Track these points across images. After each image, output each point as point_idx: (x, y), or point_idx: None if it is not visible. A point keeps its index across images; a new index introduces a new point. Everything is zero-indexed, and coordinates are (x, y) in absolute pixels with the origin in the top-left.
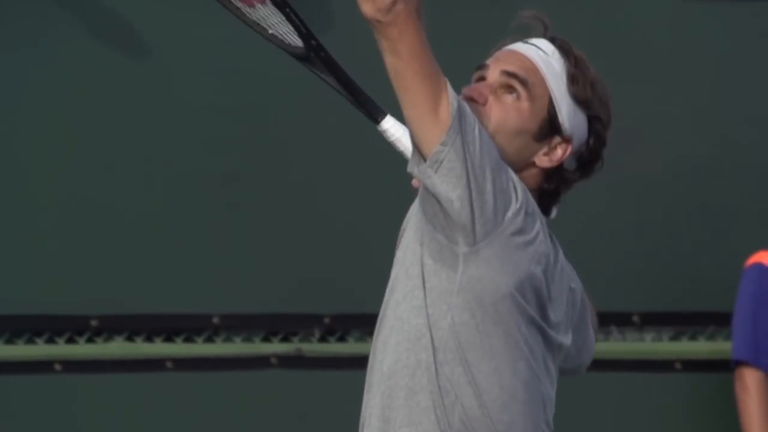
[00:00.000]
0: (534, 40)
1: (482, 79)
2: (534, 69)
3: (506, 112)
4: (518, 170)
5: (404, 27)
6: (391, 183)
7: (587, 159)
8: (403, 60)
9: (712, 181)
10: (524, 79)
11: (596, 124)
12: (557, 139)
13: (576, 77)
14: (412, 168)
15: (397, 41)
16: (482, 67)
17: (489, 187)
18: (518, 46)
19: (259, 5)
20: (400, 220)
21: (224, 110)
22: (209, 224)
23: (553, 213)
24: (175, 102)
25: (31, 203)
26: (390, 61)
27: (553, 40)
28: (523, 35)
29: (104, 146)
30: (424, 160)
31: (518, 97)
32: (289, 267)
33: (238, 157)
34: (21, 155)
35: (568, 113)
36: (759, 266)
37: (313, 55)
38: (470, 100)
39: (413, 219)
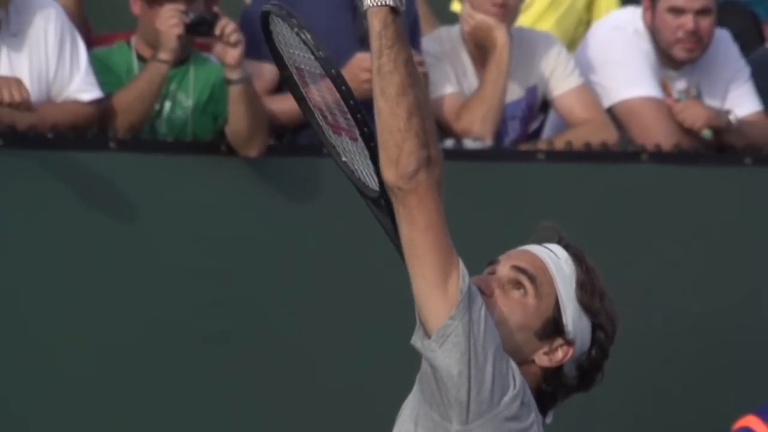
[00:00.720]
0: (547, 244)
1: (492, 273)
2: (544, 268)
3: (511, 307)
4: (518, 365)
5: (424, 196)
6: (381, 347)
7: (588, 368)
8: (418, 229)
9: (704, 343)
10: (533, 276)
11: (600, 333)
12: (560, 340)
13: (585, 284)
14: (415, 341)
15: (416, 210)
16: (493, 262)
17: (489, 368)
18: (531, 247)
19: (347, 138)
20: (391, 388)
21: (211, 273)
22: (197, 385)
23: (549, 418)
24: (162, 265)
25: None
26: (405, 229)
27: (567, 247)
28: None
29: (91, 307)
30: (428, 335)
31: (525, 293)
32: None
33: (226, 320)
34: (4, 315)
35: (573, 317)
36: (746, 430)
37: (384, 201)
38: (482, 294)
39: (409, 404)
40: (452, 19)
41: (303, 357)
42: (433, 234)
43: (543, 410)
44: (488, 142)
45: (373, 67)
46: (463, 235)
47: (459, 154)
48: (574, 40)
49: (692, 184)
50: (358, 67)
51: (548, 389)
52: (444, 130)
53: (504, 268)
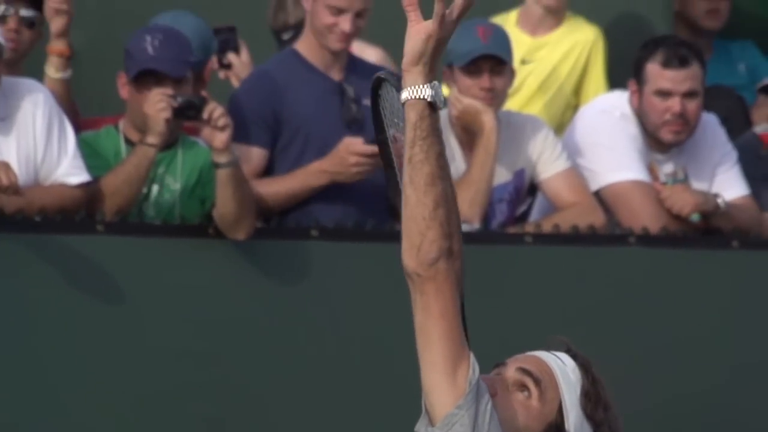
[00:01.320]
0: (556, 351)
1: (498, 375)
2: (549, 373)
3: (514, 408)
4: None
5: (442, 285)
6: (373, 429)
7: None
8: (432, 318)
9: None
10: (537, 379)
11: None
12: None
13: (590, 394)
14: (419, 428)
15: (432, 298)
16: (500, 364)
17: None
18: (539, 353)
19: None
20: None
21: (200, 355)
22: None
23: None
24: (151, 348)
25: None
26: (420, 316)
27: (574, 356)
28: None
29: (82, 391)
30: (432, 423)
31: (529, 396)
32: None
33: (215, 402)
34: None
35: (575, 424)
36: None
37: None
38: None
39: None
40: None
41: None
42: (447, 323)
43: None
44: (476, 225)
45: (405, 156)
46: None
47: None
48: (561, 124)
49: (680, 267)
50: (345, 151)
51: None
52: None
53: (510, 370)
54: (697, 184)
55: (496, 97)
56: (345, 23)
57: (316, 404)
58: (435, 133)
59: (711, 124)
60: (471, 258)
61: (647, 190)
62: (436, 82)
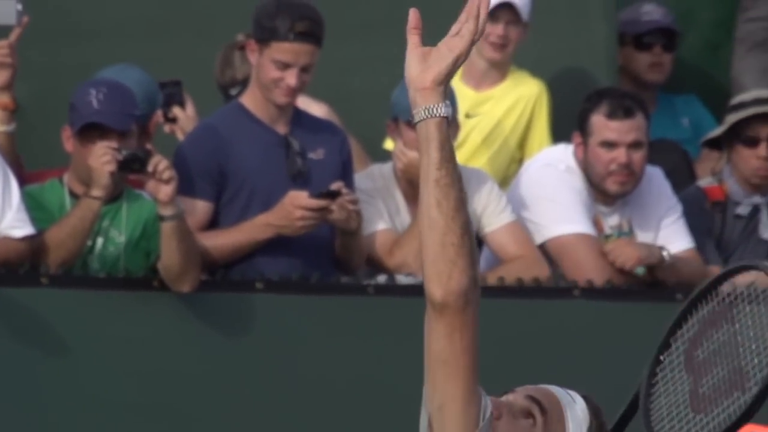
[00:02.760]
0: (568, 389)
1: (506, 400)
2: (558, 406)
3: (514, 430)
4: None
5: (471, 317)
6: None
7: None
8: (456, 350)
9: None
10: (545, 409)
11: None
12: None
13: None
14: None
15: (459, 330)
16: (510, 391)
17: None
18: (550, 386)
19: None
20: None
21: (144, 409)
22: None
23: None
24: (95, 401)
25: None
26: (441, 346)
27: (586, 399)
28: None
29: None
30: None
31: (533, 425)
32: None
33: None
34: None
35: None
36: None
37: None
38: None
39: None
40: (385, 156)
41: None
42: (472, 356)
43: None
44: (421, 278)
45: (429, 177)
46: (397, 369)
47: (392, 290)
48: (506, 178)
49: (624, 319)
50: (290, 205)
51: None
52: (377, 265)
53: (517, 396)
54: (642, 237)
55: None
56: (291, 78)
57: None
58: (455, 155)
59: (656, 176)
60: (416, 310)
61: (592, 243)
62: (448, 101)
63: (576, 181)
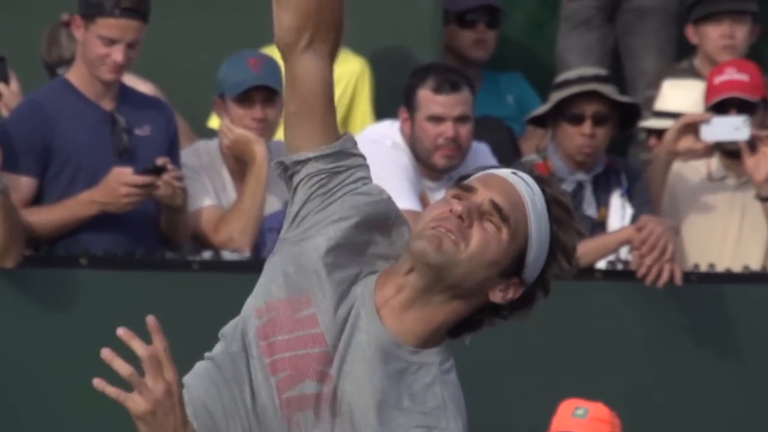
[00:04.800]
0: (523, 175)
1: (465, 195)
2: (521, 204)
3: (488, 241)
4: (470, 297)
5: (313, 59)
6: None
7: (521, 305)
8: (304, 93)
9: None
10: (507, 216)
11: (550, 274)
12: (515, 279)
13: (561, 221)
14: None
15: (300, 74)
16: (468, 188)
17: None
18: (508, 176)
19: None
20: None
21: None
22: None
23: (467, 340)
24: None
25: None
26: (287, 94)
27: (539, 180)
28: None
29: None
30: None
31: (499, 230)
32: None
33: None
34: None
35: (535, 258)
36: None
37: None
38: (459, 217)
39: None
40: (210, 134)
41: None
42: (321, 98)
43: (462, 333)
44: (247, 254)
45: None
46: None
47: (217, 266)
48: None
49: None
50: (115, 182)
51: (480, 318)
52: (202, 241)
53: (482, 197)
54: None
55: (268, 128)
56: (117, 54)
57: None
58: None
59: (482, 152)
60: (241, 286)
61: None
62: None
63: (402, 157)
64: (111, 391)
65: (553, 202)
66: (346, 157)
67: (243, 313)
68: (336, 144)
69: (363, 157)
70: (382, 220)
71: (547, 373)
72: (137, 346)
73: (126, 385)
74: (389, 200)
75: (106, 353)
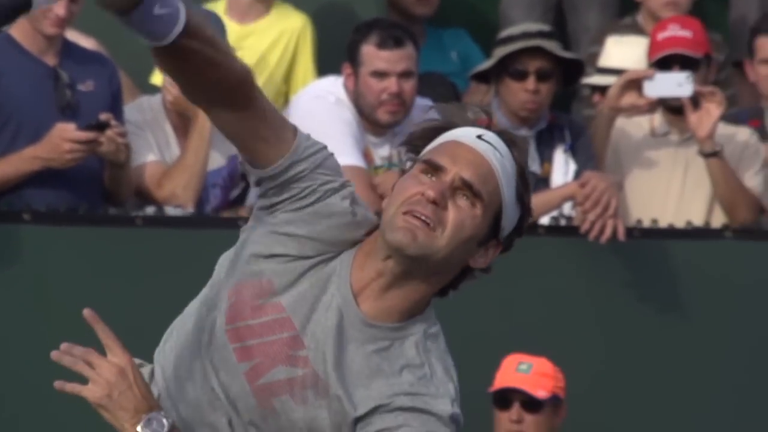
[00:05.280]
0: (488, 136)
1: (435, 172)
2: (491, 173)
3: (463, 219)
4: (451, 270)
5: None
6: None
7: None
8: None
9: None
10: (478, 192)
11: (524, 222)
12: (493, 241)
13: (524, 176)
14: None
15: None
16: (437, 167)
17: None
18: (474, 143)
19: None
20: None
21: None
22: None
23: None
24: None
25: None
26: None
27: (501, 134)
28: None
29: None
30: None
31: (473, 204)
32: None
33: None
34: None
35: (510, 217)
36: None
37: None
38: (433, 203)
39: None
40: (153, 90)
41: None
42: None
43: (445, 293)
44: (190, 209)
45: None
46: (165, 300)
47: (160, 221)
48: None
49: None
50: (58, 137)
51: (462, 278)
52: (145, 197)
53: (452, 175)
54: None
55: None
56: (60, 8)
57: (26, 391)
58: None
59: (425, 108)
60: (185, 242)
61: (362, 175)
62: None
63: (346, 113)
64: (70, 388)
65: (520, 160)
66: (303, 161)
67: (218, 278)
68: (286, 159)
69: (319, 149)
70: (342, 214)
71: (490, 329)
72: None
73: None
74: (347, 191)
75: (55, 355)
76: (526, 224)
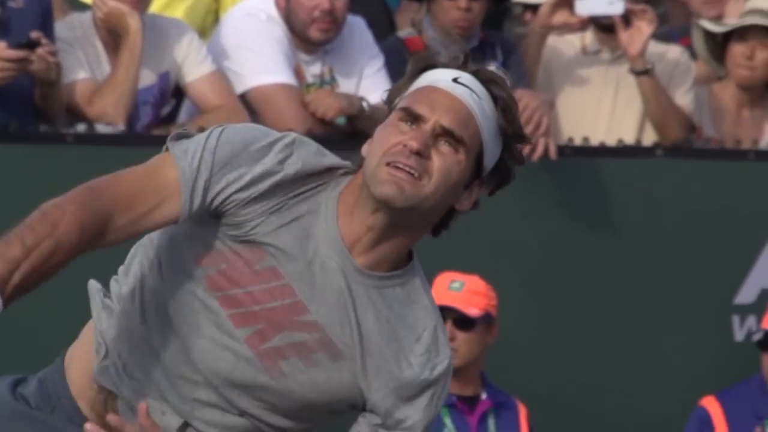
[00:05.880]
0: (464, 79)
1: (414, 121)
2: (471, 117)
3: (448, 166)
4: (439, 214)
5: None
6: None
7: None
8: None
9: None
10: (459, 137)
11: (515, 151)
12: (477, 181)
13: (511, 112)
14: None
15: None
16: (416, 117)
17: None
18: (451, 88)
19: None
20: None
21: None
22: None
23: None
24: None
25: None
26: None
27: (477, 72)
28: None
29: None
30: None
31: (456, 150)
32: None
33: None
34: None
35: (491, 155)
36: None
37: None
38: (417, 154)
39: None
40: (83, 7)
41: None
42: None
43: (437, 233)
44: (121, 127)
45: None
46: None
47: (91, 139)
48: (204, 29)
49: None
50: None
51: (450, 217)
52: (76, 114)
53: (432, 124)
54: (345, 86)
55: (141, 0)
56: None
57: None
58: None
59: (357, 26)
60: (116, 159)
61: (293, 93)
62: None
63: (277, 31)
64: None
65: (499, 99)
66: (199, 179)
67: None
68: (185, 197)
69: (199, 161)
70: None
71: (421, 247)
72: None
73: None
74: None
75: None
76: (520, 151)
